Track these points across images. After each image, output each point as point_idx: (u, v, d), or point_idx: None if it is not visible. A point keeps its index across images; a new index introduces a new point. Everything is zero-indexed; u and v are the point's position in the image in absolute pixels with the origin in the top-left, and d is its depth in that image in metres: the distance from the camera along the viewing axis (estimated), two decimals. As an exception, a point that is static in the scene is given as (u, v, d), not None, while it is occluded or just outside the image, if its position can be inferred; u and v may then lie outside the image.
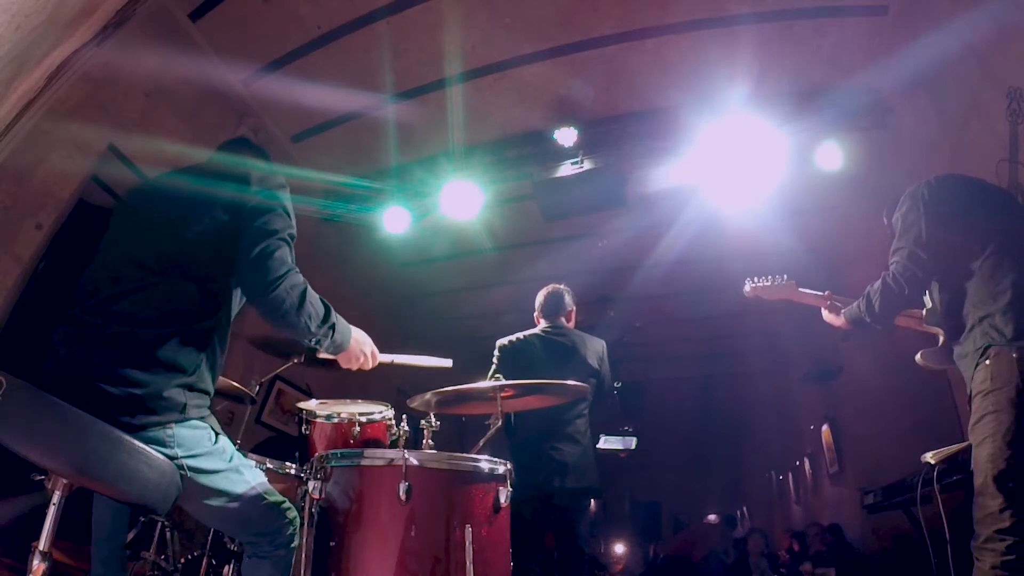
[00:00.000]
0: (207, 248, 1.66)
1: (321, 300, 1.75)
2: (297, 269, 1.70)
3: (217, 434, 1.70)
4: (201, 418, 1.66)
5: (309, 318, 1.69)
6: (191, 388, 1.61)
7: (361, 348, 1.96)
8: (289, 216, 1.75)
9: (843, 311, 2.57)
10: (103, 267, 1.68)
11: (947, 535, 2.45)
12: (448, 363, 2.44)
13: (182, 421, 1.59)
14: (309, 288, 1.70)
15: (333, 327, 1.78)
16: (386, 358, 2.13)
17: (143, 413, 1.53)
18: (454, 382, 2.31)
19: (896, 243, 2.33)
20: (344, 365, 1.98)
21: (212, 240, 1.67)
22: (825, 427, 8.07)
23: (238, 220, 1.68)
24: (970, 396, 2.15)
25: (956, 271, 2.23)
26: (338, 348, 1.87)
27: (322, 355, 1.95)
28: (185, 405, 1.59)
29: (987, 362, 2.07)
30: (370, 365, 2.03)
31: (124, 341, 1.55)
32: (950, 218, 2.26)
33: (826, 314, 2.74)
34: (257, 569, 1.72)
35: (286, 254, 1.68)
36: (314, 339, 1.75)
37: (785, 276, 2.96)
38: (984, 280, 2.17)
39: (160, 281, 1.62)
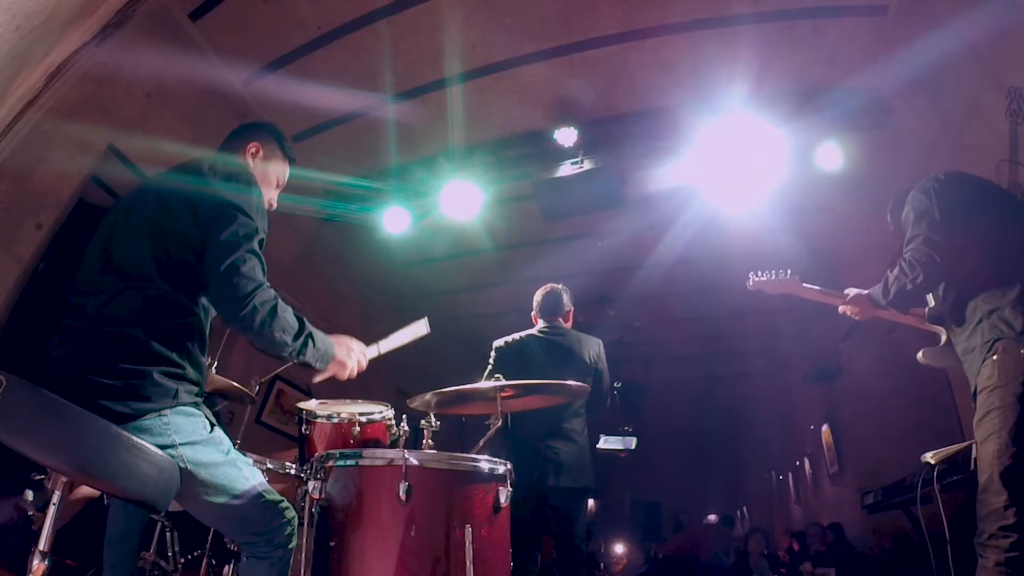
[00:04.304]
0: (175, 255, 1.67)
1: (294, 314, 1.73)
2: (267, 283, 1.67)
3: (212, 424, 1.70)
4: (194, 404, 1.68)
5: (283, 332, 1.67)
6: (181, 378, 1.64)
7: (349, 353, 1.93)
8: (253, 219, 1.71)
9: (870, 293, 2.52)
10: (85, 277, 1.70)
11: (947, 535, 2.45)
12: (424, 329, 2.38)
13: (175, 407, 1.61)
14: (280, 302, 1.68)
15: (310, 337, 1.75)
16: (372, 352, 2.09)
17: (137, 400, 1.55)
18: (454, 382, 2.31)
19: (911, 232, 2.30)
20: (341, 376, 1.93)
21: (179, 247, 1.67)
22: (825, 427, 8.08)
23: (201, 227, 1.67)
24: (975, 392, 2.13)
25: (964, 266, 2.21)
26: (324, 358, 1.83)
27: (318, 378, 1.90)
28: (177, 391, 1.62)
29: (994, 357, 2.05)
30: (364, 365, 2.00)
31: (113, 337, 1.58)
32: (958, 212, 2.24)
33: (849, 308, 2.66)
34: (255, 570, 1.71)
35: (255, 267, 1.65)
36: (292, 352, 1.72)
37: (789, 271, 2.94)
38: (992, 274, 2.15)
39: (136, 285, 1.64)
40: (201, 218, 1.67)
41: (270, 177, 2.07)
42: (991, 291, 2.13)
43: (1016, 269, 2.13)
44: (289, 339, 1.69)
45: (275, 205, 2.09)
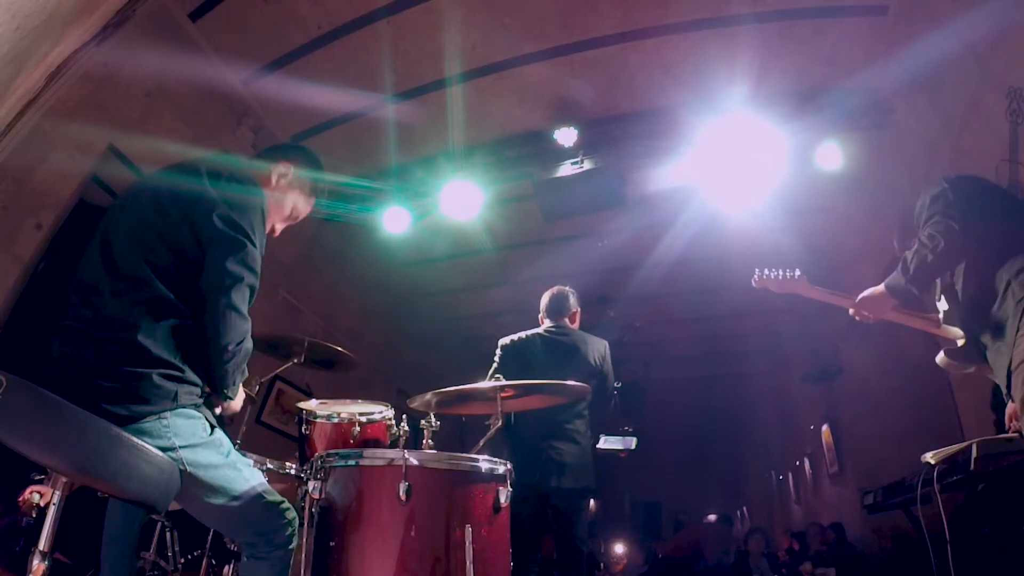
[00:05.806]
0: (171, 259, 1.66)
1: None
2: (248, 329, 1.71)
3: (213, 426, 1.71)
4: (195, 406, 1.68)
5: (234, 383, 1.76)
6: (181, 380, 1.63)
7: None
8: (256, 242, 1.71)
9: (885, 283, 2.40)
10: (84, 278, 1.69)
11: (947, 535, 2.45)
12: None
13: (175, 409, 1.61)
14: (247, 354, 1.76)
15: (235, 388, 1.82)
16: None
17: (137, 403, 1.55)
18: (455, 382, 2.31)
19: (925, 215, 2.24)
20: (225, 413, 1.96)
21: (175, 254, 1.67)
22: (825, 427, 8.08)
23: (203, 243, 1.67)
24: (1008, 371, 2.01)
25: (982, 247, 2.15)
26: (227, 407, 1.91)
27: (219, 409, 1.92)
28: (177, 393, 1.61)
29: None
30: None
31: (113, 339, 1.58)
32: (973, 201, 2.20)
33: (860, 310, 2.55)
34: (254, 570, 1.71)
35: (243, 305, 1.68)
36: (223, 396, 1.79)
37: (797, 271, 2.83)
38: (1011, 249, 2.09)
39: (134, 287, 1.63)
40: (202, 232, 1.66)
41: (285, 206, 2.03)
42: (1013, 259, 2.05)
43: None
44: (230, 387, 1.76)
45: (277, 233, 2.06)
